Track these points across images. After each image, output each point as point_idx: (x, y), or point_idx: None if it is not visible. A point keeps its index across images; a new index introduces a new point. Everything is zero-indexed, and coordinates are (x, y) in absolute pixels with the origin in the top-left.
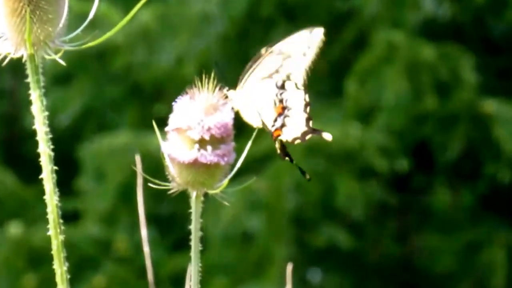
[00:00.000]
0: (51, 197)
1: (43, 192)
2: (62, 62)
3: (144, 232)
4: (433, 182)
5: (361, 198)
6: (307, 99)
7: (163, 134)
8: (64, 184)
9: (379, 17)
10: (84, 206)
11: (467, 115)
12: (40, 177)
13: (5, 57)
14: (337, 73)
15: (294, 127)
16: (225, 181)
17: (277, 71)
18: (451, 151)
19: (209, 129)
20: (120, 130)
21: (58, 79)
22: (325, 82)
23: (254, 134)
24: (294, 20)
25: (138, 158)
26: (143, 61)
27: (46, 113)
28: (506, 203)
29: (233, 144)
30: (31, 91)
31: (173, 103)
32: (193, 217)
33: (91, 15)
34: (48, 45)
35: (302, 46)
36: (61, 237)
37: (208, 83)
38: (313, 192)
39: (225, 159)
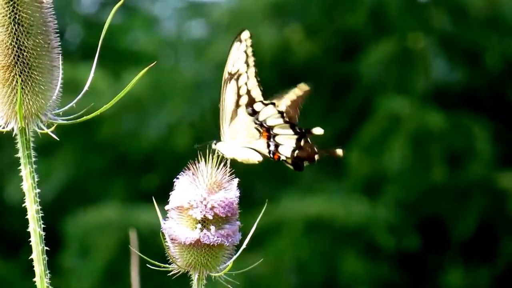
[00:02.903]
0: (42, 280)
1: (23, 269)
2: (56, 137)
3: None
4: (446, 261)
5: (366, 278)
6: (279, 108)
7: (153, 208)
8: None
9: (384, 83)
10: (67, 284)
11: (482, 189)
12: (30, 257)
13: None
14: (339, 143)
15: (287, 141)
16: (230, 264)
17: (239, 95)
18: (464, 227)
19: (212, 207)
20: (107, 203)
21: (40, 149)
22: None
23: (262, 213)
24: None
25: (133, 235)
26: (132, 131)
27: (38, 190)
28: None
29: (238, 223)
30: (21, 167)
31: (174, 179)
32: None
33: (86, 87)
34: (40, 118)
35: (241, 57)
36: None
37: (210, 157)
38: (316, 271)
39: (230, 239)
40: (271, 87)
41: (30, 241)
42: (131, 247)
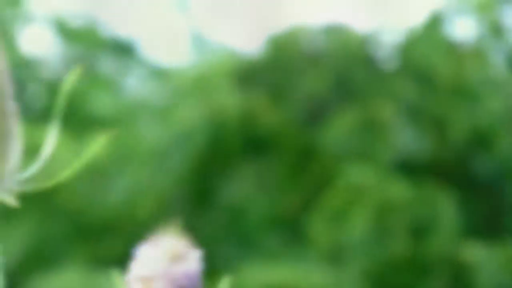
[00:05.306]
0: None
1: None
2: (14, 204)
3: None
4: None
5: None
6: None
7: (114, 276)
8: None
9: (348, 152)
10: None
11: (445, 261)
12: None
13: None
14: (304, 210)
15: None
16: None
17: None
18: None
19: (174, 280)
20: (67, 270)
21: None
22: (290, 223)
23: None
24: (260, 155)
25: None
26: (92, 197)
27: None
28: None
29: None
30: None
31: (133, 249)
32: None
33: (47, 152)
34: None
35: None
36: None
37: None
38: None
39: None
40: (234, 156)
41: None
42: None
